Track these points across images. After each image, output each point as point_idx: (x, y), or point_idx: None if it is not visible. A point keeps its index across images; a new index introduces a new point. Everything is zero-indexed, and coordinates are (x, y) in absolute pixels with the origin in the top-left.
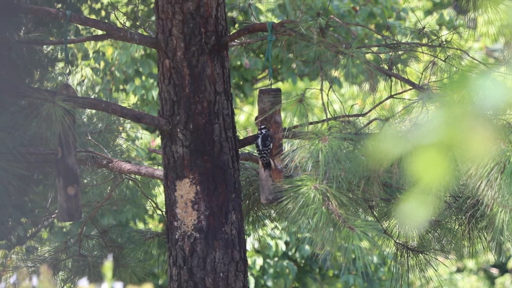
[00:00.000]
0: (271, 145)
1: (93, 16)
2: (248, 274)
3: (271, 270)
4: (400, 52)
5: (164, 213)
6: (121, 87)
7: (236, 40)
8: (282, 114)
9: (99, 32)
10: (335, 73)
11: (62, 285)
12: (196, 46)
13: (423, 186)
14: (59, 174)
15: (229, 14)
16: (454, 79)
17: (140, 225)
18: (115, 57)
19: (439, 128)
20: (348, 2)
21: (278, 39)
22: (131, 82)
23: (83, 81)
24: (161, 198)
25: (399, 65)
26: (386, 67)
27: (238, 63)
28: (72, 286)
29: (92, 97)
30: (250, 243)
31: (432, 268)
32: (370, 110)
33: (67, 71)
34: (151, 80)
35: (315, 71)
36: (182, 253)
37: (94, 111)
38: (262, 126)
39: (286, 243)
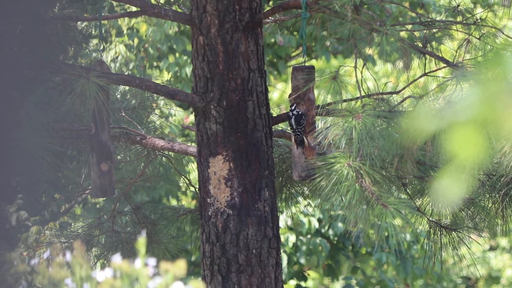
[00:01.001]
0: (305, 122)
1: None
2: (281, 251)
3: (303, 247)
4: (434, 30)
5: (197, 189)
6: (154, 64)
7: (270, 17)
8: (316, 92)
9: (133, 8)
10: (369, 51)
11: (96, 260)
12: (230, 23)
13: (457, 164)
14: (92, 150)
15: None
16: (488, 57)
17: (173, 202)
18: (149, 34)
19: (473, 106)
20: None
21: (312, 17)
22: (164, 59)
23: (117, 57)
24: (194, 175)
25: (433, 43)
26: (420, 45)
27: (272, 40)
28: (105, 261)
29: (126, 73)
30: (283, 220)
31: (465, 246)
32: (404, 88)
33: (101, 47)
34: (185, 57)
35: (349, 48)
36: (215, 230)
37: (127, 87)
38: (293, 106)
39: (319, 220)
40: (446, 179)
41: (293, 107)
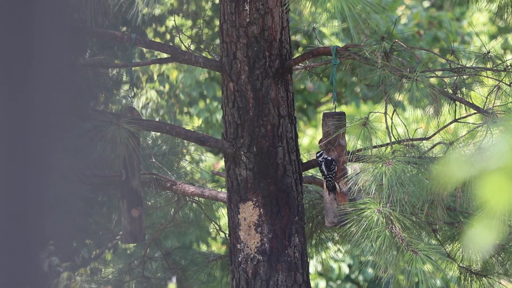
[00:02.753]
0: (336, 168)
1: (157, 39)
2: None
3: None
4: (464, 76)
5: (227, 235)
6: (185, 109)
7: (300, 64)
8: (346, 137)
9: (164, 55)
10: (399, 97)
11: None
12: (260, 69)
13: (487, 210)
14: (123, 196)
15: (293, 37)
16: None
17: (203, 247)
18: (179, 80)
19: (503, 153)
20: (412, 26)
21: (342, 63)
22: (195, 105)
23: (148, 103)
24: (224, 221)
25: (463, 89)
26: (450, 91)
27: (302, 86)
28: None
29: (157, 119)
30: (313, 266)
31: None
32: (434, 134)
33: (132, 94)
34: (215, 103)
35: (379, 94)
36: (245, 276)
37: (158, 133)
38: (321, 152)
39: (349, 266)
40: (477, 226)
41: (318, 154)
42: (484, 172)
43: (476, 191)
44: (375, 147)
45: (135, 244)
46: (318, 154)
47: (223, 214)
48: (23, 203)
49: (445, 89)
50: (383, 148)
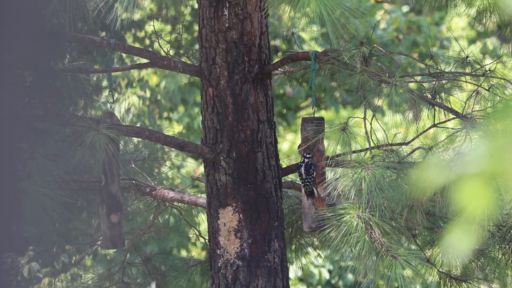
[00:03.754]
0: (314, 173)
1: (137, 44)
2: None
3: None
4: (443, 81)
5: (207, 241)
6: (165, 114)
7: (279, 69)
8: (325, 143)
9: (143, 60)
10: (378, 102)
11: None
12: (239, 74)
13: (466, 215)
14: (102, 201)
15: (272, 42)
16: (497, 108)
17: (183, 253)
18: (162, 85)
19: (482, 158)
20: (391, 31)
21: (321, 68)
22: (176, 110)
23: (129, 109)
24: (204, 226)
25: (442, 94)
26: (429, 96)
27: (281, 91)
28: None
29: (138, 125)
30: (293, 271)
31: None
32: (413, 139)
33: (112, 99)
34: (196, 109)
35: (358, 99)
36: (225, 281)
37: (139, 139)
38: (306, 155)
39: (329, 271)
40: (456, 230)
41: (308, 156)
42: (463, 177)
43: (455, 196)
44: (354, 152)
45: (114, 250)
46: (305, 155)
47: (203, 219)
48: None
49: (424, 94)
50: (363, 153)
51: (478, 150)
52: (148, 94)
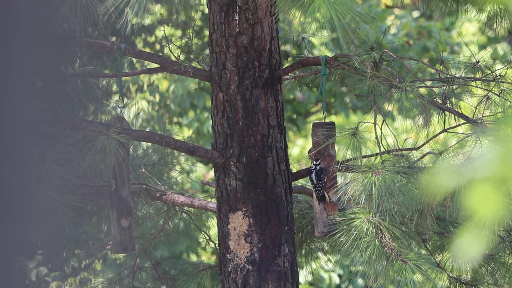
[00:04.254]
0: (325, 178)
1: (147, 49)
2: None
3: None
4: (454, 86)
5: (217, 245)
6: (175, 119)
7: (289, 74)
8: (336, 147)
9: (153, 65)
10: (388, 107)
11: None
12: (249, 79)
13: (476, 220)
14: (113, 206)
15: (283, 47)
16: (508, 113)
17: (193, 257)
18: (171, 90)
19: (493, 162)
20: (401, 36)
21: (331, 73)
22: (186, 115)
23: (139, 113)
24: (214, 231)
25: (452, 99)
26: (439, 101)
27: (291, 96)
28: None
29: (147, 129)
30: (304, 276)
31: None
32: (423, 144)
33: (122, 104)
34: (206, 114)
35: (368, 104)
36: (235, 286)
37: (149, 143)
38: (317, 161)
39: (339, 276)
40: (466, 235)
41: (317, 162)
42: (473, 182)
43: (465, 201)
44: (364, 157)
45: (125, 254)
46: (317, 162)
47: (213, 224)
48: (12, 212)
49: (435, 99)
50: (373, 158)
51: (489, 155)
52: (157, 98)
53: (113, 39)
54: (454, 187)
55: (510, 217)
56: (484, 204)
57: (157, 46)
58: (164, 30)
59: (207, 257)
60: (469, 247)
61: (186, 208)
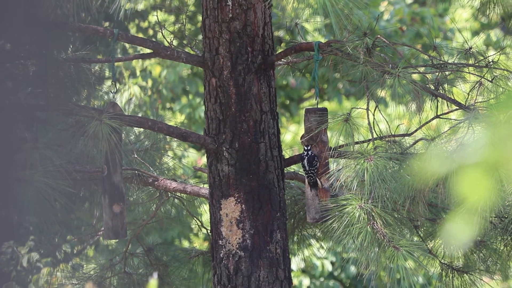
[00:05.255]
0: (318, 164)
1: (140, 35)
2: None
3: None
4: (446, 72)
5: (209, 231)
6: (168, 105)
7: (282, 59)
8: (328, 133)
9: (146, 50)
10: (381, 93)
11: None
12: (242, 65)
13: (468, 206)
14: (105, 192)
15: (276, 33)
16: (500, 99)
17: (185, 244)
18: (163, 75)
19: (485, 149)
20: (395, 22)
21: (324, 59)
22: (178, 100)
23: (131, 99)
24: (206, 217)
25: (445, 85)
26: (432, 87)
27: (284, 82)
28: None
29: (139, 115)
30: (296, 263)
31: None
32: (416, 130)
33: (114, 89)
34: (198, 99)
35: (361, 90)
36: (227, 272)
37: (141, 129)
38: (308, 147)
39: (332, 263)
40: (458, 222)
41: (308, 148)
42: (465, 168)
43: (457, 187)
44: (357, 143)
45: (116, 240)
46: (308, 147)
47: (205, 210)
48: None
49: (428, 85)
50: (365, 144)
51: (481, 141)
52: (150, 84)
53: (106, 24)
54: (446, 173)
55: (501, 203)
56: (475, 190)
57: (150, 32)
58: (157, 16)
59: (199, 243)
60: (460, 233)
61: (178, 194)
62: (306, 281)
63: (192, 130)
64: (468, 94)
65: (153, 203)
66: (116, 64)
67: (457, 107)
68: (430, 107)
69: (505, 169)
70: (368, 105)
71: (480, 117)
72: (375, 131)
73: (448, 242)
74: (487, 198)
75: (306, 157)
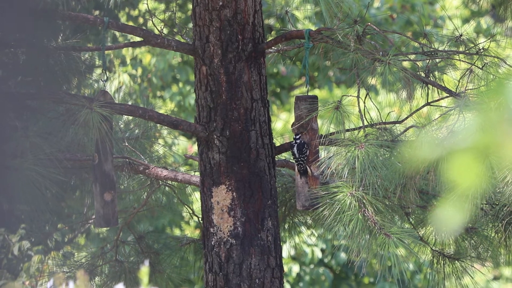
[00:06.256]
0: (308, 152)
1: (130, 23)
2: (284, 281)
3: (307, 277)
4: (437, 60)
5: (200, 219)
6: (158, 93)
7: (273, 47)
8: (319, 121)
9: (137, 38)
10: (372, 81)
11: None
12: (233, 53)
13: (459, 193)
14: (96, 180)
15: (266, 21)
16: (491, 86)
17: (176, 231)
18: (152, 63)
19: (475, 135)
20: (385, 10)
21: (315, 47)
22: (168, 88)
23: (120, 87)
24: (197, 205)
25: (436, 73)
26: (423, 74)
27: (275, 70)
28: None
29: (130, 103)
30: (286, 250)
31: (469, 275)
32: (406, 118)
33: (105, 77)
34: (188, 87)
35: (351, 78)
36: (218, 259)
37: (131, 117)
38: (297, 135)
39: (322, 250)
40: (449, 208)
41: (297, 136)
42: (455, 154)
43: (448, 174)
44: (348, 130)
45: (108, 228)
46: (297, 136)
47: (196, 198)
48: None
49: (418, 73)
50: (356, 132)
51: (471, 127)
52: (139, 72)
53: (97, 12)
54: (437, 160)
55: (492, 190)
56: (466, 175)
57: (141, 20)
58: (147, 4)
59: (191, 231)
60: (451, 220)
61: (169, 182)
62: (295, 268)
63: (182, 118)
64: (459, 81)
65: (144, 191)
66: (106, 52)
67: (448, 95)
68: (421, 94)
69: (495, 155)
70: (358, 92)
71: (471, 104)
72: (365, 118)
73: (439, 229)
74: (478, 184)
75: (296, 145)
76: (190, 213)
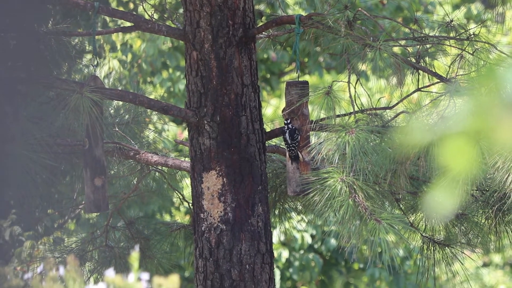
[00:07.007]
0: (299, 138)
1: (121, 8)
2: (274, 266)
3: (296, 263)
4: (427, 46)
5: (190, 205)
6: (148, 79)
7: (263, 33)
8: (309, 107)
9: (127, 24)
10: (362, 66)
11: (89, 275)
12: (223, 38)
13: (449, 179)
14: (86, 165)
15: (257, 6)
16: (481, 72)
17: (167, 217)
18: (142, 49)
19: (466, 121)
20: None
21: (305, 32)
22: (158, 74)
23: (110, 73)
24: (187, 190)
25: (426, 59)
26: (413, 60)
27: (265, 56)
28: (98, 276)
29: (120, 89)
30: (276, 235)
31: (459, 262)
32: (397, 103)
33: (95, 62)
34: (178, 73)
35: (342, 64)
36: (208, 245)
37: (121, 102)
38: (287, 120)
39: (312, 236)
40: (439, 194)
41: (288, 121)
42: (446, 139)
43: (438, 160)
44: (338, 116)
45: (98, 214)
46: (288, 121)
47: (186, 183)
48: None
49: (409, 58)
50: (347, 117)
51: (462, 113)
52: (129, 58)
53: None
54: (427, 145)
55: (483, 176)
56: (457, 160)
57: (131, 5)
58: None
59: (181, 217)
60: (441, 205)
61: (159, 167)
62: (285, 253)
63: (172, 104)
64: (449, 67)
65: (134, 177)
66: (96, 37)
67: (438, 80)
68: (411, 80)
69: (486, 141)
70: (349, 78)
71: (461, 90)
72: (356, 104)
73: (429, 215)
74: (468, 170)
75: (288, 131)
76: (180, 199)
